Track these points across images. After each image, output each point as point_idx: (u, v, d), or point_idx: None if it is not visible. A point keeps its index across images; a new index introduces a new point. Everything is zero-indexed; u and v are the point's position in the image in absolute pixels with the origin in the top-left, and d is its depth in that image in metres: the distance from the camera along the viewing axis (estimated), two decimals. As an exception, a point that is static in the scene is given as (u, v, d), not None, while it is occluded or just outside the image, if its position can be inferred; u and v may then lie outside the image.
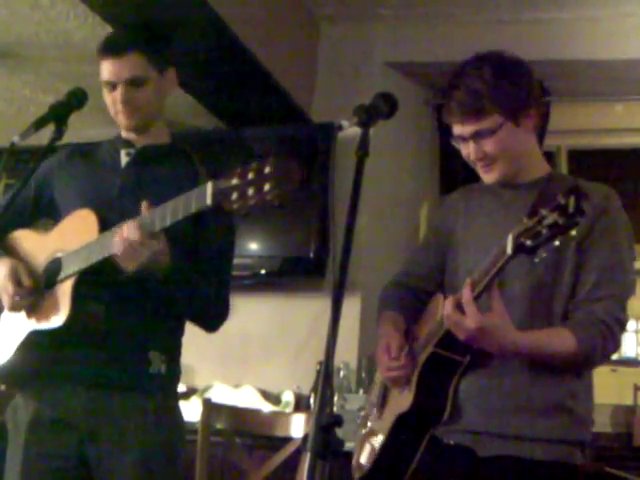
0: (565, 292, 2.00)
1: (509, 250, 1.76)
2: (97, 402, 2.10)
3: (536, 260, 1.74)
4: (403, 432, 2.11)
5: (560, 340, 1.93)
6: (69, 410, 2.11)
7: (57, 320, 2.06)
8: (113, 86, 2.16)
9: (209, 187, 1.82)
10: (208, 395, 4.00)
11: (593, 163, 4.97)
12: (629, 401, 4.35)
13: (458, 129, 2.06)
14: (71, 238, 2.13)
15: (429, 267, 2.28)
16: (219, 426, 2.89)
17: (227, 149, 4.24)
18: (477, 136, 2.02)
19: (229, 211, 1.78)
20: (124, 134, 2.26)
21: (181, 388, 4.13)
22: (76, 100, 2.16)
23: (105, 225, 2.08)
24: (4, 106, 4.45)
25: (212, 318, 2.26)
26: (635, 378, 4.55)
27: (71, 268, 2.09)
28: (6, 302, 2.16)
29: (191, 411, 3.65)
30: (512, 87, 2.01)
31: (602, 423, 4.14)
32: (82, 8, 3.28)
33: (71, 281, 2.08)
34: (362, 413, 2.43)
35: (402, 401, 2.10)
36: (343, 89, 4.25)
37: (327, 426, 1.41)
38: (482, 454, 1.99)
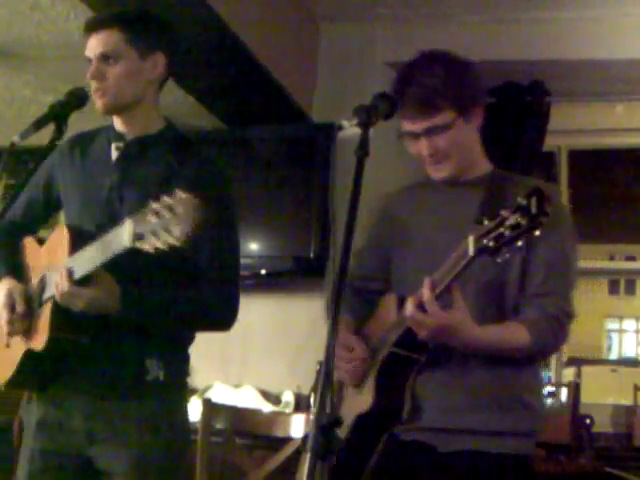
0: (514, 287, 2.05)
1: (471, 252, 1.77)
2: (95, 407, 2.10)
3: (499, 260, 1.76)
4: (362, 432, 2.10)
5: (515, 334, 1.99)
6: (69, 413, 2.12)
7: (38, 344, 2.04)
8: (90, 62, 2.13)
9: (127, 228, 1.78)
10: (208, 395, 4.00)
11: (593, 163, 4.97)
12: (629, 401, 4.36)
13: (408, 126, 2.08)
14: (56, 254, 2.11)
15: (374, 267, 2.29)
16: (219, 426, 2.89)
17: (227, 149, 4.24)
18: (430, 132, 2.05)
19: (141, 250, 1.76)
20: (116, 124, 2.22)
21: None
22: (76, 100, 2.15)
23: (95, 230, 2.04)
24: (4, 106, 4.45)
25: (215, 323, 2.24)
26: (635, 378, 4.57)
27: (51, 289, 2.06)
28: (3, 329, 2.15)
29: (191, 411, 3.65)
30: (462, 84, 2.06)
31: (602, 423, 4.14)
32: (82, 8, 3.27)
33: (50, 303, 2.04)
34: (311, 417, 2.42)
35: (361, 401, 2.10)
36: (343, 89, 4.25)
37: (327, 426, 1.41)
38: (442, 450, 2.02)
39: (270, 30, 3.85)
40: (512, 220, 1.68)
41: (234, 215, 2.24)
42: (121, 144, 2.20)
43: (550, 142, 4.41)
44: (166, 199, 1.72)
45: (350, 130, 1.73)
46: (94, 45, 2.11)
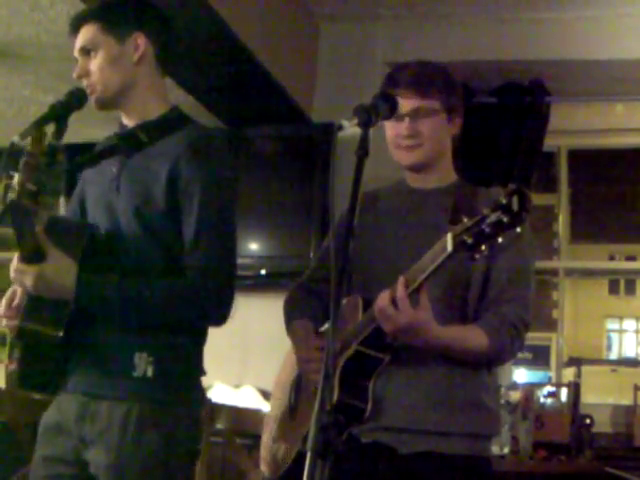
0: (476, 293, 2.08)
1: (449, 248, 1.77)
2: (86, 409, 2.00)
3: (477, 257, 1.77)
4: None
5: (475, 338, 2.02)
6: (64, 415, 2.04)
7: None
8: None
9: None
10: (208, 395, 4.00)
11: (593, 163, 4.98)
12: (629, 401, 4.36)
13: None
14: None
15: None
16: (219, 426, 2.89)
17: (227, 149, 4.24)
18: (416, 114, 2.12)
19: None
20: (122, 119, 2.17)
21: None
22: (76, 100, 2.13)
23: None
24: (4, 106, 4.46)
25: (199, 317, 2.07)
26: (635, 378, 4.56)
27: None
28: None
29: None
30: (454, 87, 2.18)
31: (602, 423, 4.14)
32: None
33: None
34: (272, 425, 2.43)
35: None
36: (343, 89, 4.25)
37: (327, 426, 1.41)
38: (403, 452, 2.02)
39: (270, 30, 3.85)
40: (493, 217, 1.68)
41: (227, 203, 2.07)
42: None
43: (550, 142, 4.41)
44: None
45: (350, 130, 1.73)
46: (75, 45, 2.12)
